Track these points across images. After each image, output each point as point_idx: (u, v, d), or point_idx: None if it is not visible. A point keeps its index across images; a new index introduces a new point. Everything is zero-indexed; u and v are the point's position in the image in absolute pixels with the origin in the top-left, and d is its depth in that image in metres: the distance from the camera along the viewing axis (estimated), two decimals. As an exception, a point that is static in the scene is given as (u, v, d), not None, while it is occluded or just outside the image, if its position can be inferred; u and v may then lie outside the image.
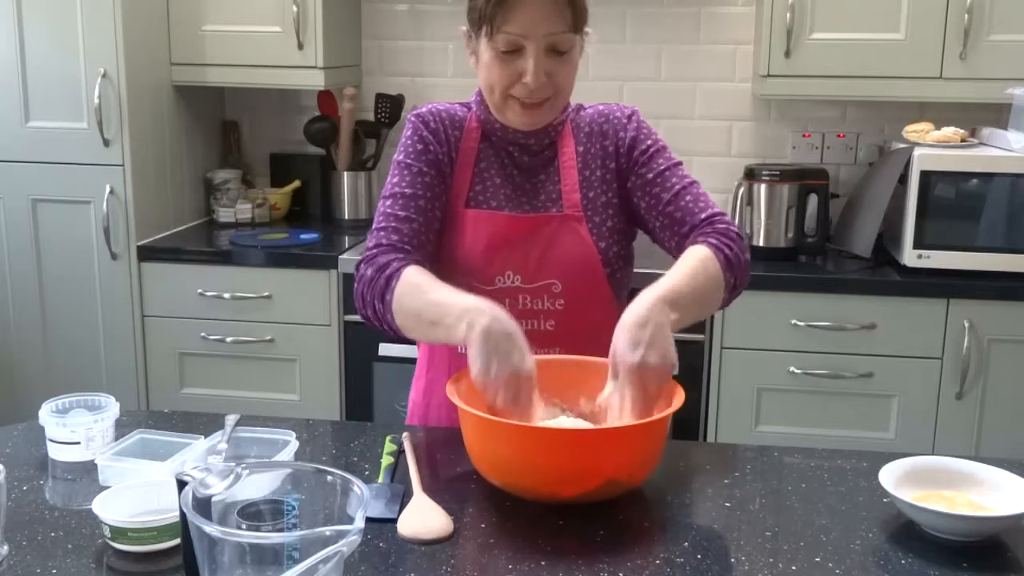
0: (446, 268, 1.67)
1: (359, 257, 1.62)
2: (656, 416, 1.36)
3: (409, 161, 1.67)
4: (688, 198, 1.66)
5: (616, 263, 1.69)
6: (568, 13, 1.55)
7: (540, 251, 1.65)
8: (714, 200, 1.68)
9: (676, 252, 1.65)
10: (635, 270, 1.78)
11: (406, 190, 1.65)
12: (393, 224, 1.63)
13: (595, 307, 1.67)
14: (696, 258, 1.56)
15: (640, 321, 1.40)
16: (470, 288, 1.64)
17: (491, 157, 1.70)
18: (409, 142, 1.69)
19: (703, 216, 1.64)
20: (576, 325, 1.64)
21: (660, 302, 1.43)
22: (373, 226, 1.66)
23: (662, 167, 1.68)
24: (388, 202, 1.65)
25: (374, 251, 1.61)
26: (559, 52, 1.57)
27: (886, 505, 1.37)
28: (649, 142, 1.70)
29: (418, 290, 1.52)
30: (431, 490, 1.37)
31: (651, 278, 1.64)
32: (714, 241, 1.59)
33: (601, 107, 1.75)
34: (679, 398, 1.40)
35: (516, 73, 1.58)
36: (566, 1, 1.55)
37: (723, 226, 1.63)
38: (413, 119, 1.70)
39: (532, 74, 1.56)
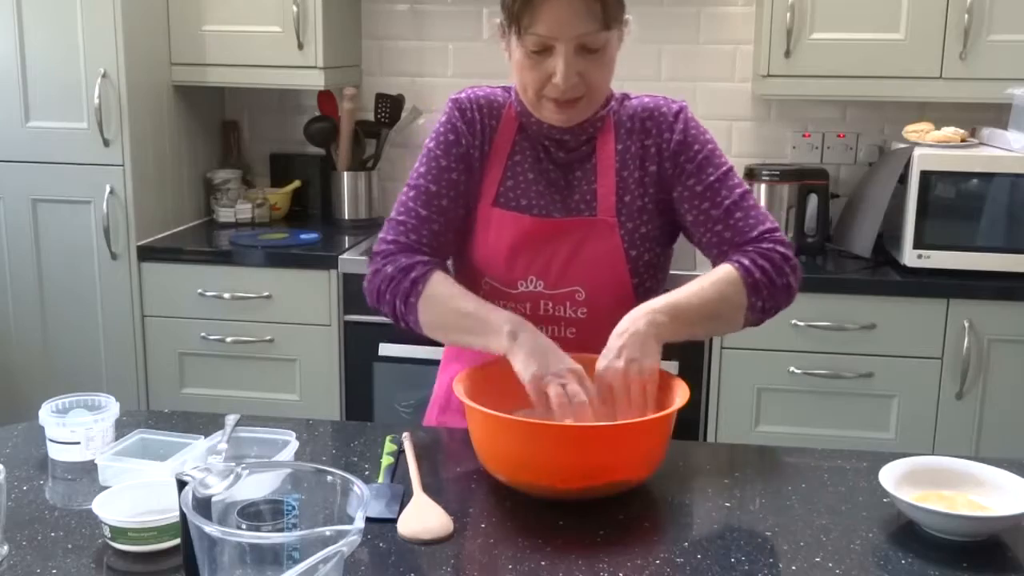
0: (468, 267, 1.65)
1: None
2: (662, 412, 1.37)
3: (439, 152, 1.63)
4: (739, 215, 1.58)
5: (646, 272, 1.63)
6: (598, 11, 1.49)
7: (565, 257, 1.60)
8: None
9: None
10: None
11: (431, 186, 1.62)
12: (413, 222, 1.61)
13: (618, 316, 1.55)
14: (714, 277, 1.53)
15: (618, 331, 1.44)
16: (491, 290, 1.63)
17: (526, 150, 1.65)
18: (442, 130, 1.65)
19: (753, 235, 1.57)
20: (597, 334, 1.54)
21: (648, 312, 1.46)
22: (392, 214, 1.64)
23: (711, 178, 1.59)
24: (412, 194, 1.63)
25: (392, 247, 1.60)
26: (591, 50, 1.51)
27: (886, 505, 1.37)
28: (697, 147, 1.60)
29: (449, 299, 1.54)
30: (431, 490, 1.37)
31: (682, 280, 1.60)
32: (746, 262, 1.54)
33: (647, 100, 1.66)
34: (684, 394, 1.41)
35: (547, 73, 1.52)
36: None
37: (768, 246, 1.56)
38: (451, 104, 1.66)
39: (562, 76, 1.50)
